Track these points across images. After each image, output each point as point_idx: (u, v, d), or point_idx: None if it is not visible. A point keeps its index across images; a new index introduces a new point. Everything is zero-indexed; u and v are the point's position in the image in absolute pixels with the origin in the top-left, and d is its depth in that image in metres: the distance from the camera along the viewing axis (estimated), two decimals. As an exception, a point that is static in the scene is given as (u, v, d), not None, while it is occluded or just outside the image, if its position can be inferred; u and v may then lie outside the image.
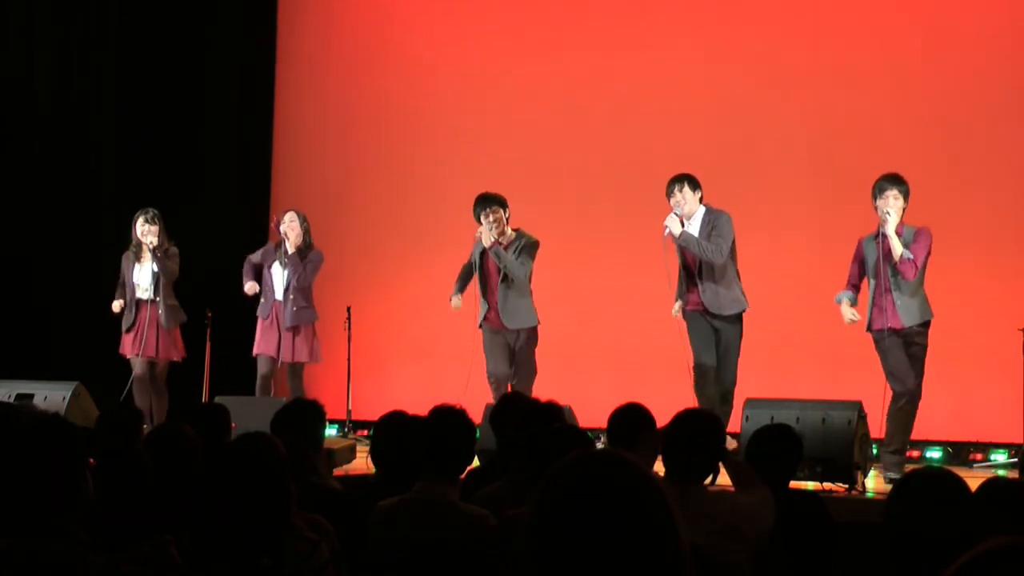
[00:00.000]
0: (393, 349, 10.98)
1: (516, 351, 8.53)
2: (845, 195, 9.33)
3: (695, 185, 8.03)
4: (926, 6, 9.76)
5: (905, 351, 7.53)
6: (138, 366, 9.18)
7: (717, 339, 8.03)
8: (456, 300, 8.71)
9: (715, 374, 8.00)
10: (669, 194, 8.04)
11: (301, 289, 9.17)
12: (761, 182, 9.92)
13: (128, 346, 9.22)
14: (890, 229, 7.45)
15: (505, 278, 8.45)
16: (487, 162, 10.63)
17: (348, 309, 10.22)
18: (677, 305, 8.15)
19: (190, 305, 10.00)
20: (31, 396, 8.34)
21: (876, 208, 7.56)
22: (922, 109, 9.62)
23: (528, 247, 8.50)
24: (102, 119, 11.10)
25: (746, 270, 9.56)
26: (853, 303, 7.73)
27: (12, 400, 8.01)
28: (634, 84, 10.39)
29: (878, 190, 7.55)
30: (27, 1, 10.81)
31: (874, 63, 9.75)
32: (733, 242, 8.04)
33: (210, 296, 10.18)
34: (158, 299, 9.16)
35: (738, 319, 8.04)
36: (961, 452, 9.06)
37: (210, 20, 11.52)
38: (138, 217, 9.26)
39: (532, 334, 8.53)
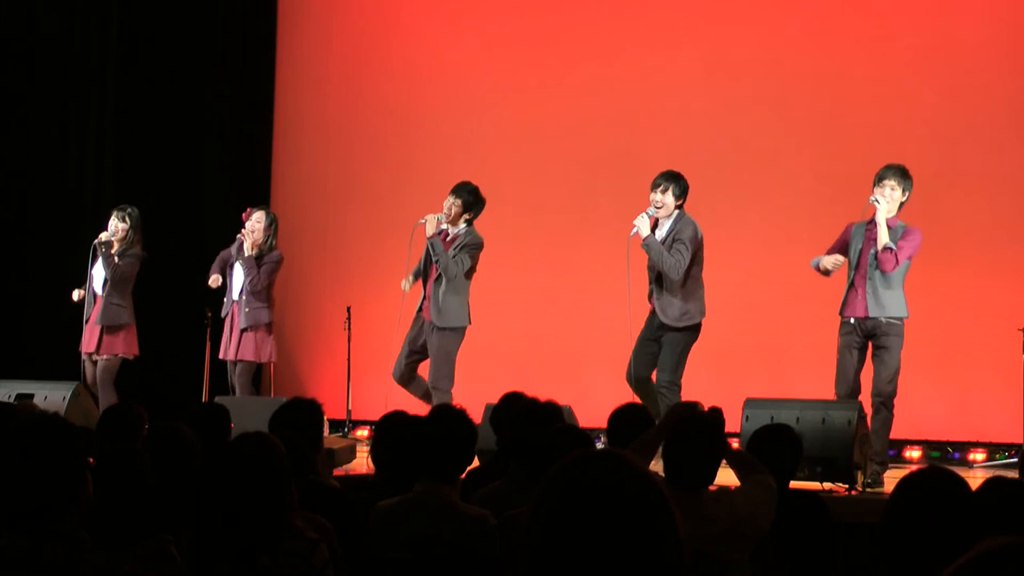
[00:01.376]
0: (393, 349, 10.97)
1: (432, 349, 8.30)
2: (844, 195, 9.31)
3: (681, 191, 7.85)
4: (923, 8, 9.75)
5: (873, 350, 7.39)
6: (86, 364, 9.15)
7: (660, 338, 7.86)
8: (406, 283, 8.46)
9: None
10: (653, 188, 7.88)
11: (254, 292, 9.05)
12: (759, 183, 9.92)
13: (84, 340, 9.19)
14: (880, 216, 7.35)
15: (439, 275, 8.28)
16: (487, 162, 10.63)
17: (348, 309, 10.21)
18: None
19: (190, 305, 10.00)
20: (31, 396, 8.33)
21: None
22: (921, 109, 9.62)
23: (469, 246, 8.29)
24: (101, 120, 11.10)
25: (746, 271, 9.57)
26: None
27: (12, 400, 8.00)
28: (634, 86, 10.39)
29: (877, 179, 7.43)
30: (28, 0, 10.82)
31: (872, 63, 9.75)
32: (700, 253, 7.85)
33: (209, 296, 10.19)
34: (102, 295, 9.13)
35: (689, 329, 7.84)
36: (961, 452, 9.06)
37: (210, 20, 11.52)
38: (113, 212, 9.23)
39: (449, 335, 8.29)
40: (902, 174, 7.41)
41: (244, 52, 11.65)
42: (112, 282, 9.08)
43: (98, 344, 9.10)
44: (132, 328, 9.19)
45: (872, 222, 7.38)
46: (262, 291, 9.08)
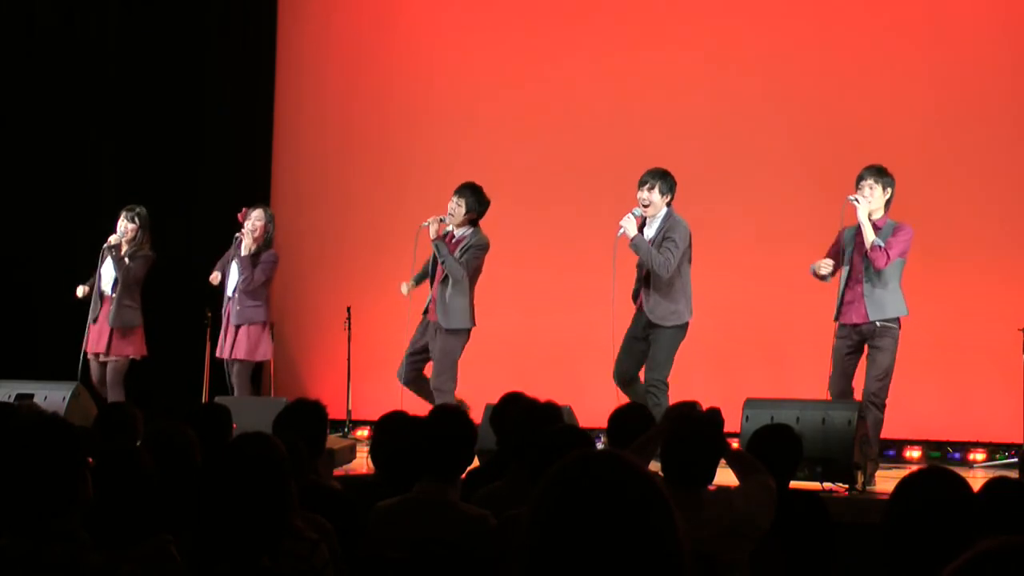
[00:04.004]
0: (393, 349, 10.96)
1: (435, 351, 8.33)
2: (843, 195, 9.31)
3: (668, 187, 7.85)
4: (922, 7, 9.75)
5: (867, 351, 7.43)
6: (92, 365, 9.16)
7: (650, 337, 7.87)
8: (405, 287, 8.53)
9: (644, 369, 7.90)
10: (640, 186, 7.87)
11: (247, 291, 9.02)
12: (757, 183, 9.91)
13: (90, 341, 9.19)
14: (861, 215, 7.37)
15: (445, 276, 8.30)
16: (487, 161, 10.62)
17: (348, 309, 10.22)
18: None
19: (190, 305, 10.00)
20: (31, 396, 8.33)
21: None
22: (920, 108, 9.61)
23: (475, 247, 8.31)
24: (101, 119, 11.10)
25: (746, 270, 9.56)
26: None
27: (12, 400, 8.00)
28: (634, 86, 10.38)
29: (857, 180, 7.51)
30: (29, 1, 10.82)
31: (871, 62, 9.74)
32: (688, 252, 7.87)
33: (209, 296, 10.18)
34: (114, 296, 9.13)
35: (678, 327, 7.85)
36: (961, 452, 9.06)
37: (210, 20, 11.52)
38: (121, 213, 9.23)
39: (455, 336, 8.32)
40: (879, 172, 7.48)
41: (244, 51, 11.65)
42: (123, 283, 9.10)
43: (108, 345, 9.12)
44: (141, 329, 9.24)
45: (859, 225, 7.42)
46: (256, 290, 9.06)
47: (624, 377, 7.92)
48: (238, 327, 9.02)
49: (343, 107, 11.44)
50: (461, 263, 8.26)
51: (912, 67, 9.64)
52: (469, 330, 8.40)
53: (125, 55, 11.25)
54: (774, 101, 9.96)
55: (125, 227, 9.14)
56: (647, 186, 7.85)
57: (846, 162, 9.48)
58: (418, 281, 8.58)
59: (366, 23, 11.43)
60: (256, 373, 9.38)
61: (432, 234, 8.29)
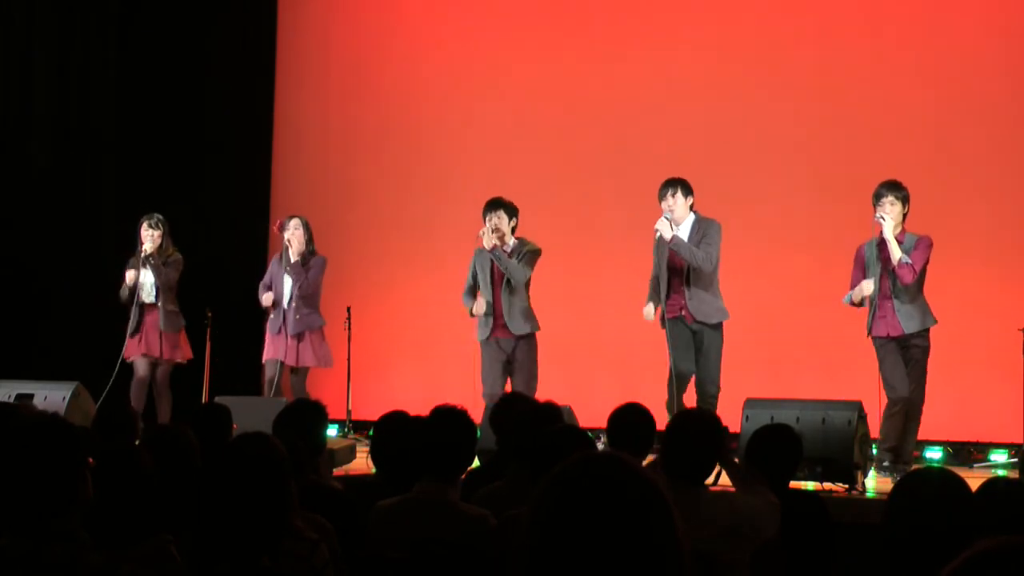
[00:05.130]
0: (393, 349, 10.98)
1: (514, 360, 8.40)
2: (844, 197, 9.33)
3: (688, 191, 7.99)
4: (923, 9, 9.76)
5: (903, 356, 7.53)
6: (141, 368, 9.20)
7: (698, 345, 7.94)
8: (477, 306, 8.45)
9: (695, 381, 7.94)
10: (661, 197, 8.00)
11: (304, 297, 9.12)
12: (761, 184, 9.92)
13: (132, 348, 9.23)
14: (887, 233, 7.45)
15: (507, 284, 8.37)
16: (488, 163, 10.63)
17: (348, 309, 10.22)
18: (650, 308, 8.03)
19: (191, 305, 10.00)
20: (31, 396, 8.33)
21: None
22: (921, 111, 9.62)
23: (529, 254, 8.44)
24: (102, 120, 11.10)
25: (746, 271, 9.57)
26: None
27: (12, 400, 8.00)
28: (636, 88, 10.39)
29: (875, 197, 7.59)
30: (28, 1, 10.81)
31: (873, 65, 9.76)
32: (718, 252, 7.98)
33: (210, 296, 10.18)
34: (159, 304, 9.19)
35: (720, 328, 7.95)
36: (961, 452, 9.06)
37: (210, 21, 11.52)
38: (142, 223, 9.28)
39: (532, 341, 8.42)
40: (897, 188, 7.57)
41: (244, 52, 11.65)
42: (164, 290, 9.19)
43: (160, 349, 9.18)
44: (184, 332, 9.32)
45: (882, 240, 7.47)
46: (313, 295, 9.15)
47: (684, 379, 7.94)
48: (299, 335, 9.08)
49: (343, 107, 11.45)
50: (520, 268, 8.36)
51: (913, 73, 9.65)
52: (535, 334, 8.44)
53: (124, 56, 11.24)
54: (780, 107, 9.97)
55: (152, 235, 9.20)
56: (669, 193, 8.00)
57: (850, 167, 9.52)
58: (474, 296, 8.54)
59: (366, 23, 11.44)
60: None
61: (488, 244, 8.35)
